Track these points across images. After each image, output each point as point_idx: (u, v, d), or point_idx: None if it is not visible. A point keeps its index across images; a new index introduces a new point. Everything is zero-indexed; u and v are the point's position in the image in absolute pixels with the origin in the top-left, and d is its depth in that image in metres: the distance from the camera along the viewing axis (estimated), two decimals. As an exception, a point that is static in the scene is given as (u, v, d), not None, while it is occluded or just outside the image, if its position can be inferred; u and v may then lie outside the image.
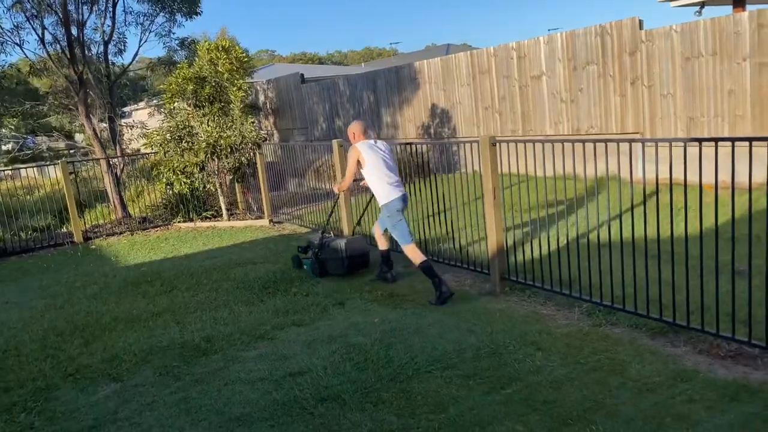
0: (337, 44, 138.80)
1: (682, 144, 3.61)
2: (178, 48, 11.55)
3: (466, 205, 6.53)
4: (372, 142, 5.34)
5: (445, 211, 6.48)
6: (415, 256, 5.10)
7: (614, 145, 4.16)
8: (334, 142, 7.25)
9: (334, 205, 6.70)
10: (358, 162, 5.25)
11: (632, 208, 4.02)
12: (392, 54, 47.83)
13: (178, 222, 9.87)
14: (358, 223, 6.67)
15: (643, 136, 8.39)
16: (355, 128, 5.47)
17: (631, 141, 4.16)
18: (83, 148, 19.80)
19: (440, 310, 4.59)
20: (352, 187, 6.23)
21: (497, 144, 4.87)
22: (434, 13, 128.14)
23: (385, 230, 5.52)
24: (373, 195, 5.49)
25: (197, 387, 3.63)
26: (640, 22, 8.33)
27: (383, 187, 5.19)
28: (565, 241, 5.51)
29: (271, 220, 9.10)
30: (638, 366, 3.35)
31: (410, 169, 6.78)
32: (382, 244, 5.62)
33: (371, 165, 5.18)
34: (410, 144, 6.49)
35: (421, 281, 5.48)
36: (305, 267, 6.26)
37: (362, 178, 5.50)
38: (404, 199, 5.28)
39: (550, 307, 4.52)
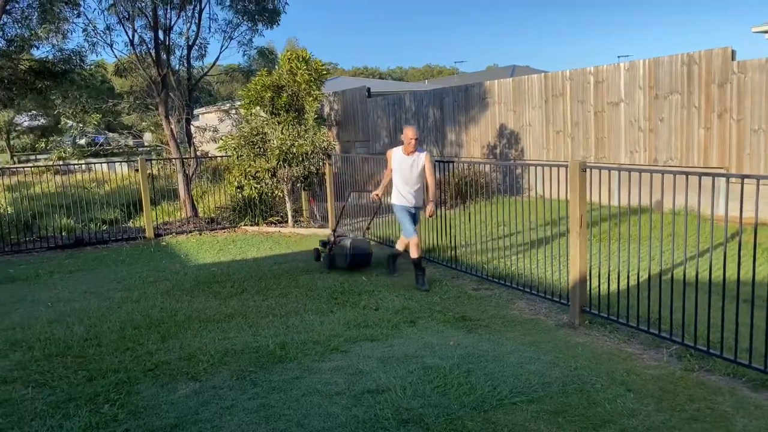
0: (398, 61, 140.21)
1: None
2: (257, 57, 11.84)
3: (533, 231, 6.35)
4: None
5: (516, 235, 6.34)
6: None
7: (695, 179, 3.93)
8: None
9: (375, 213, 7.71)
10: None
11: (725, 246, 3.79)
12: (453, 72, 47.82)
13: (245, 225, 10.06)
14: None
15: (728, 171, 8.00)
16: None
17: (715, 175, 3.94)
18: (153, 146, 20.57)
19: (518, 339, 4.45)
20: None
21: (587, 170, 4.72)
22: (496, 35, 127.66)
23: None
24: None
25: (275, 395, 3.62)
26: (733, 53, 7.98)
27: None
28: (646, 276, 5.26)
29: (334, 231, 9.12)
30: (743, 420, 3.12)
31: (474, 188, 6.70)
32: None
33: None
34: (480, 163, 6.42)
35: (495, 306, 5.38)
36: (322, 260, 7.07)
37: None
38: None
39: (634, 345, 4.31)
